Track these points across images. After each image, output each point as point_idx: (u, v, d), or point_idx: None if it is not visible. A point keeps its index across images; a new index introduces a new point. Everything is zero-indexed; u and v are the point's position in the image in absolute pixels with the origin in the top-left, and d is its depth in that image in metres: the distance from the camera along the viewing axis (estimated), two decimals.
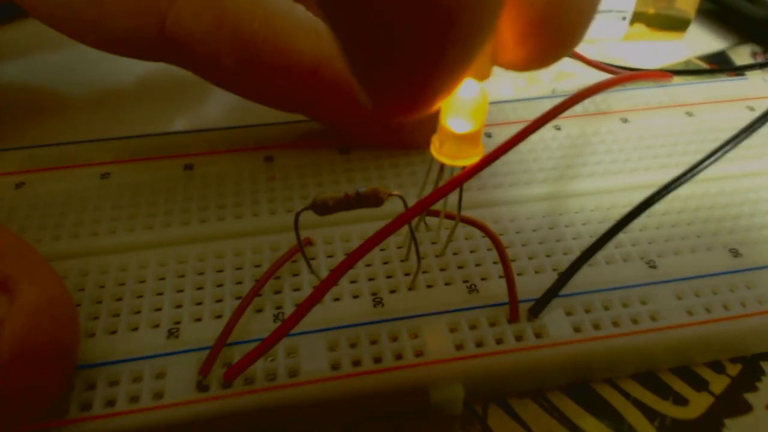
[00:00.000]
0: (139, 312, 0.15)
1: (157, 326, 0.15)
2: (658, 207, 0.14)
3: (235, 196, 0.18)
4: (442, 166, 0.14)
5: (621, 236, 0.16)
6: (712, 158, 0.14)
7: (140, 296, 0.15)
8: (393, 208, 0.13)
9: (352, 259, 0.12)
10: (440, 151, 0.13)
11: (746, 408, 0.15)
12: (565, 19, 0.11)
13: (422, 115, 0.11)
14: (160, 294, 0.15)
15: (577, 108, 0.21)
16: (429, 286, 0.16)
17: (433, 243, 0.17)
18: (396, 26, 0.09)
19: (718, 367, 0.16)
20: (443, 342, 0.14)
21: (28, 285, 0.12)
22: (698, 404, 0.15)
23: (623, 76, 0.14)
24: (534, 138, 0.20)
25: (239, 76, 0.16)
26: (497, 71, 0.12)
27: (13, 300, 0.12)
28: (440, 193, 0.12)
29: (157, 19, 0.15)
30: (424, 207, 0.13)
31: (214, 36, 0.15)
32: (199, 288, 0.15)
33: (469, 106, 0.12)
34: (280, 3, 0.16)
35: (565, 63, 0.26)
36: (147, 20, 0.15)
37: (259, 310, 0.15)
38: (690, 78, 0.23)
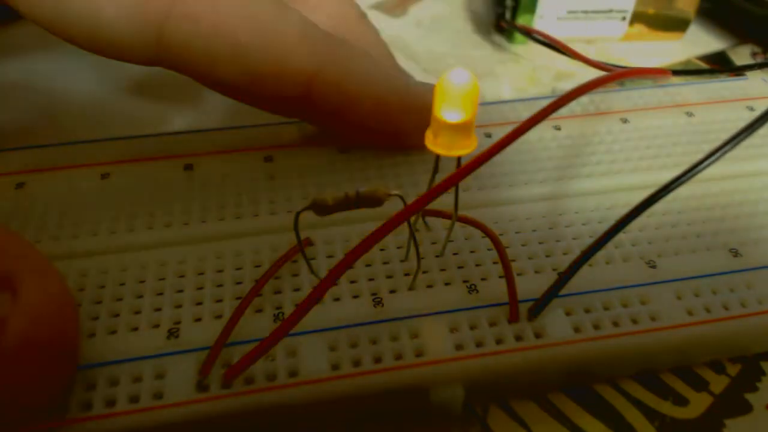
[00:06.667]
0: (139, 312, 0.15)
1: (157, 326, 0.15)
2: (658, 207, 0.14)
3: (235, 196, 0.18)
4: (436, 166, 0.14)
5: (621, 236, 0.16)
6: (712, 158, 0.14)
7: (140, 296, 0.15)
8: (393, 208, 0.13)
9: (351, 258, 0.12)
10: (435, 143, 0.13)
11: (746, 408, 0.15)
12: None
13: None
14: (160, 294, 0.15)
15: (577, 108, 0.21)
16: (429, 286, 0.16)
17: (433, 243, 0.17)
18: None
19: (718, 367, 0.16)
20: (443, 342, 0.14)
21: (31, 283, 0.12)
22: (698, 404, 0.15)
23: (620, 71, 0.14)
24: (533, 138, 0.20)
25: (235, 83, 0.16)
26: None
27: (16, 298, 0.12)
28: (436, 191, 0.12)
29: (154, 26, 0.15)
30: (421, 206, 0.13)
31: (211, 44, 0.15)
32: (199, 288, 0.15)
33: (461, 93, 0.12)
34: (275, 9, 0.16)
35: (566, 63, 0.26)
36: (144, 28, 0.15)
37: (259, 310, 0.15)
38: (690, 78, 0.23)
